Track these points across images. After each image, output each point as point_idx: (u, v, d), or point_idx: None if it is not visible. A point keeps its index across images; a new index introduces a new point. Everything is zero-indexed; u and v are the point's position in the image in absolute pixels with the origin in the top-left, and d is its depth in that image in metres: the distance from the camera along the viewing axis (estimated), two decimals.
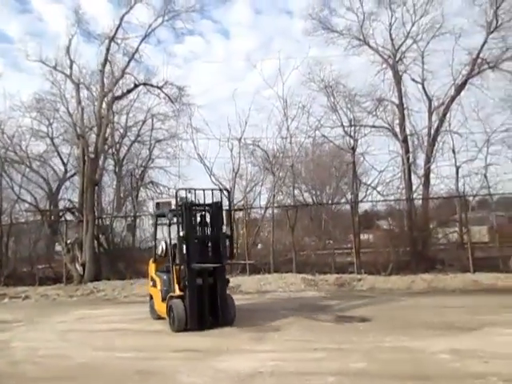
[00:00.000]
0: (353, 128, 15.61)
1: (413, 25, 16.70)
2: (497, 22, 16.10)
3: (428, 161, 14.98)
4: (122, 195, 20.86)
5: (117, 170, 21.08)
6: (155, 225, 8.73)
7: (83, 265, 13.78)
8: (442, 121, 15.34)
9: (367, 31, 17.12)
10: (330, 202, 18.53)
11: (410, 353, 5.32)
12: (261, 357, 5.43)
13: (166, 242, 7.88)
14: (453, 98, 15.75)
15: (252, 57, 47.56)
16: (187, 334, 6.87)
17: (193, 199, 7.59)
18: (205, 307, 7.13)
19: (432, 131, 15.31)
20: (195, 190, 7.62)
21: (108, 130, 17.21)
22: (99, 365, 5.53)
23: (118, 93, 16.54)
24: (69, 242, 14.30)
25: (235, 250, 8.05)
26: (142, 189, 20.61)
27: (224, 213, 7.61)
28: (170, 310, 7.17)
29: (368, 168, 17.03)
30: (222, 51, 40.40)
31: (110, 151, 20.75)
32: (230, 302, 7.48)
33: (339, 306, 8.68)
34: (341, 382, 4.44)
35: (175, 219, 7.58)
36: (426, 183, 14.87)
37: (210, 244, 7.57)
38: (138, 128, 20.72)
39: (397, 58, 16.92)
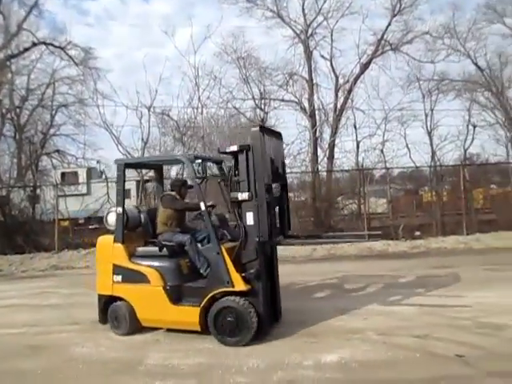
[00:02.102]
0: (263, 101, 15.89)
1: (324, 2, 17.20)
2: (400, 6, 17.14)
3: (333, 135, 15.78)
4: (23, 164, 19.37)
5: (17, 136, 19.47)
6: (122, 182, 5.41)
7: None
8: (346, 98, 16.19)
9: (281, 4, 17.34)
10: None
11: (301, 314, 5.74)
12: None
13: (126, 209, 5.43)
14: (357, 77, 16.67)
15: (171, 22, 45.47)
16: (88, 305, 6.72)
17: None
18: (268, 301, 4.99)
19: (338, 107, 16.11)
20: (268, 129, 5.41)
21: (3, 91, 15.76)
22: None
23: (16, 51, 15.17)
24: None
25: None
26: (46, 157, 19.28)
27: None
28: (218, 316, 4.70)
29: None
30: (140, 13, 37.86)
31: (9, 115, 19.06)
32: None
33: None
34: None
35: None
36: (331, 157, 15.72)
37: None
38: (42, 91, 19.18)
39: (308, 34, 17.37)
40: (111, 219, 5.40)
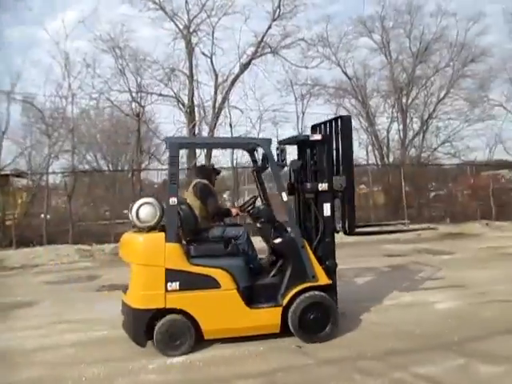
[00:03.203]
0: (140, 95, 15.32)
1: None
2: (279, 12, 17.68)
3: (211, 133, 15.81)
4: None
5: None
6: (177, 165, 4.44)
7: None
8: (225, 96, 16.34)
9: None
10: (111, 169, 17.86)
11: None
12: (5, 337, 4.97)
13: (155, 202, 4.35)
14: (237, 76, 16.91)
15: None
16: None
17: None
18: None
19: (216, 105, 16.19)
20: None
21: None
22: None
23: None
24: None
25: None
26: None
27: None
28: (304, 314, 4.36)
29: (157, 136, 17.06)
30: None
31: None
32: None
33: (108, 276, 8.52)
34: (78, 352, 4.39)
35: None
36: (208, 154, 15.72)
37: None
38: None
39: (191, 30, 17.17)
40: (146, 212, 4.27)
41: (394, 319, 5.06)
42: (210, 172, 5.05)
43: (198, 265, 4.25)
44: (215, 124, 15.93)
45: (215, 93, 16.31)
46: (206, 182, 4.84)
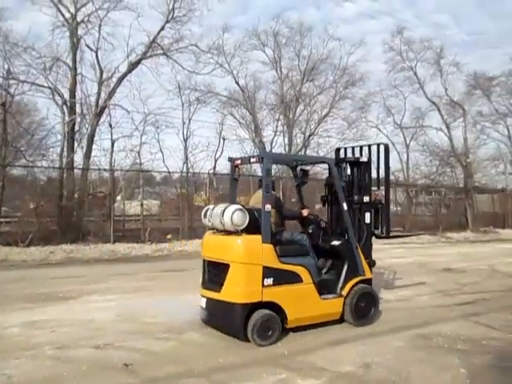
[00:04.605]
0: (9, 82, 13.83)
1: None
2: (173, 14, 17.38)
3: (92, 131, 14.87)
4: None
5: None
6: (270, 177, 5.46)
7: None
8: (110, 94, 15.52)
9: None
10: None
11: None
12: None
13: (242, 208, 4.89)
14: (124, 75, 16.21)
15: None
16: None
17: None
18: None
19: (100, 102, 15.30)
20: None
21: None
22: None
23: None
24: None
25: None
26: None
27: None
28: (358, 303, 5.31)
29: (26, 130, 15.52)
30: None
31: None
32: None
33: None
34: None
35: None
36: (88, 154, 14.78)
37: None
38: None
39: (78, 20, 16.09)
40: (239, 217, 4.75)
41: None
42: (273, 185, 5.56)
43: (285, 263, 4.92)
44: (97, 122, 15.02)
45: (99, 89, 15.41)
46: (274, 193, 5.53)
